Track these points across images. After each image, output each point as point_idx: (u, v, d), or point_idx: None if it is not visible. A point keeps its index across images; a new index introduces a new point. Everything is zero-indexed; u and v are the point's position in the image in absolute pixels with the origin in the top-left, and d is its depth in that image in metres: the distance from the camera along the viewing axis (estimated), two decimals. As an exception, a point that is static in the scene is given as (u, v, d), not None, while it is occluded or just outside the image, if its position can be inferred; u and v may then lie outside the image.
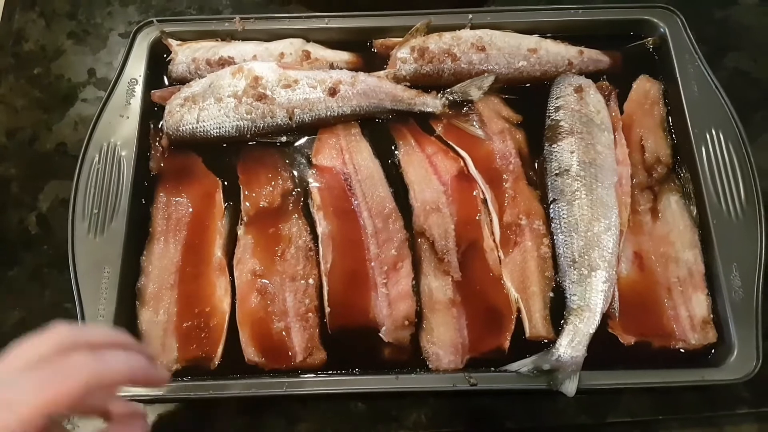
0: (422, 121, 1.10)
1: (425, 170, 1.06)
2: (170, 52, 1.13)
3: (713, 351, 0.93)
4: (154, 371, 0.66)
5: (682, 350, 0.94)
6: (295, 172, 1.06)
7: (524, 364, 0.90)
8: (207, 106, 1.05)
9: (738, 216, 0.98)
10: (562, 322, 0.94)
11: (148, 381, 0.65)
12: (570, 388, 0.87)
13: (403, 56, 1.10)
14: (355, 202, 1.03)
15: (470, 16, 1.13)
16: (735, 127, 1.04)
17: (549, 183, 1.02)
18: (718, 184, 1.00)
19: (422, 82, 1.11)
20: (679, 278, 0.96)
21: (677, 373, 0.90)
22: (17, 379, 0.57)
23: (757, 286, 0.93)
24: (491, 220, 1.02)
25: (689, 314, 0.94)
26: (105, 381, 0.59)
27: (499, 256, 0.99)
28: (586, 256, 0.95)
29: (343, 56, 1.13)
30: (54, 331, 0.61)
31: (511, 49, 1.10)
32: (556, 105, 1.06)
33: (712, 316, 0.95)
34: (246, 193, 1.04)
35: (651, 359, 0.93)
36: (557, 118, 1.05)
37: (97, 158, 1.04)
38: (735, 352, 0.90)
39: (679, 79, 1.08)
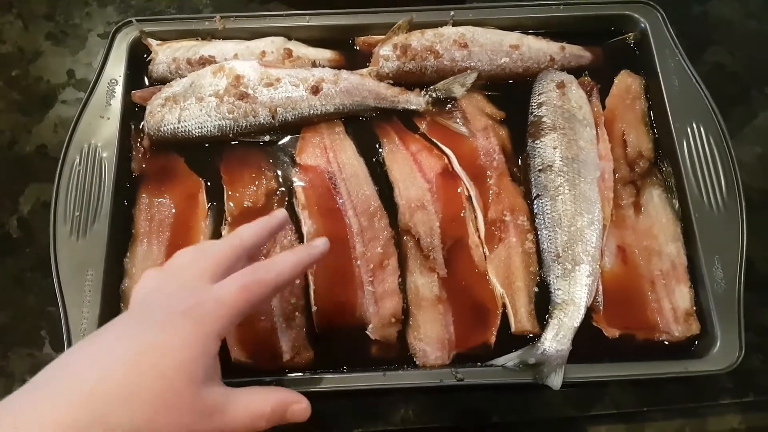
0: (406, 119, 1.10)
1: (410, 168, 1.06)
2: (150, 52, 1.12)
3: (696, 343, 0.94)
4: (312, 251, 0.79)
5: (665, 342, 0.94)
6: (279, 172, 1.06)
7: (510, 359, 0.90)
8: (188, 106, 1.04)
9: (719, 209, 0.99)
10: (547, 316, 0.94)
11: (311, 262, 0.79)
12: (556, 381, 0.88)
13: (386, 54, 1.09)
14: (340, 201, 1.03)
15: (452, 12, 1.13)
16: (716, 120, 1.05)
17: (532, 179, 1.03)
18: (700, 178, 1.01)
19: (405, 80, 1.11)
20: (662, 271, 0.97)
21: (661, 365, 0.91)
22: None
23: (738, 277, 0.94)
24: (476, 217, 1.02)
25: (672, 306, 0.95)
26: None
27: (484, 253, 1.00)
28: (569, 251, 0.95)
29: (325, 54, 1.13)
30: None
31: (494, 45, 1.10)
32: (538, 101, 1.07)
33: (695, 308, 0.95)
34: (229, 193, 1.03)
35: (635, 352, 0.93)
36: (540, 114, 1.05)
37: (77, 160, 1.03)
38: (718, 344, 0.91)
39: (660, 73, 1.08)
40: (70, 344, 0.91)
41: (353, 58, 1.15)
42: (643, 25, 1.13)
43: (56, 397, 0.57)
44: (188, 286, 0.68)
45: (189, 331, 0.63)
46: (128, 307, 0.76)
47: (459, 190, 1.04)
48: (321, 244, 0.80)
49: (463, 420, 0.94)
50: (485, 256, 0.99)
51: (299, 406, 0.71)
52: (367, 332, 0.94)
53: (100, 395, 0.57)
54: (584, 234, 0.96)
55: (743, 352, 0.90)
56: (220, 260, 0.72)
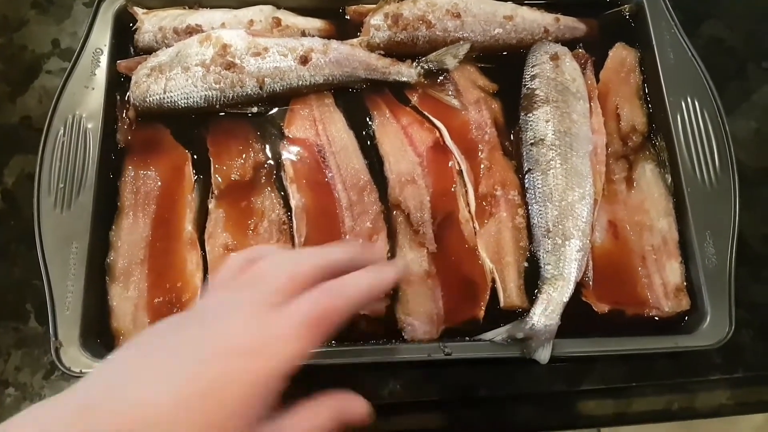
0: (397, 91, 1.08)
1: (400, 141, 1.04)
2: (136, 21, 1.10)
3: (686, 318, 0.94)
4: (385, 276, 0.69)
5: (655, 318, 0.94)
6: (267, 144, 1.04)
7: (498, 333, 0.90)
8: (174, 76, 1.02)
9: (712, 184, 0.98)
10: (536, 291, 0.94)
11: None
12: (543, 355, 0.87)
13: (377, 23, 1.07)
14: (329, 175, 1.01)
15: (445, -18, 1.10)
16: (711, 95, 1.03)
17: (524, 153, 1.01)
18: (693, 153, 1.00)
19: (396, 50, 1.08)
20: (654, 246, 0.96)
21: (651, 340, 0.91)
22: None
23: (730, 253, 0.94)
24: (467, 192, 1.01)
25: (663, 282, 0.95)
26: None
27: (474, 228, 0.99)
28: (560, 226, 0.94)
29: (315, 23, 1.11)
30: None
31: (487, 16, 1.08)
32: (531, 73, 1.05)
33: (685, 283, 0.95)
34: (216, 165, 1.02)
35: (625, 327, 0.93)
36: (533, 86, 1.03)
37: (62, 131, 1.00)
38: (708, 319, 0.91)
39: (655, 46, 1.06)
40: (54, 318, 0.90)
41: (344, 28, 1.12)
42: (639, -4, 1.10)
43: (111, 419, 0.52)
44: (260, 311, 0.60)
45: (254, 368, 0.57)
46: (202, 298, 0.70)
47: (450, 164, 1.02)
48: (395, 269, 0.70)
49: (452, 393, 0.94)
50: (475, 231, 0.98)
51: (357, 410, 0.66)
52: (355, 306, 0.93)
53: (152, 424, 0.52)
54: (575, 209, 0.95)
55: (733, 327, 0.90)
56: (300, 280, 0.63)
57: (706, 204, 0.97)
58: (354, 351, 0.90)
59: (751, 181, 1.05)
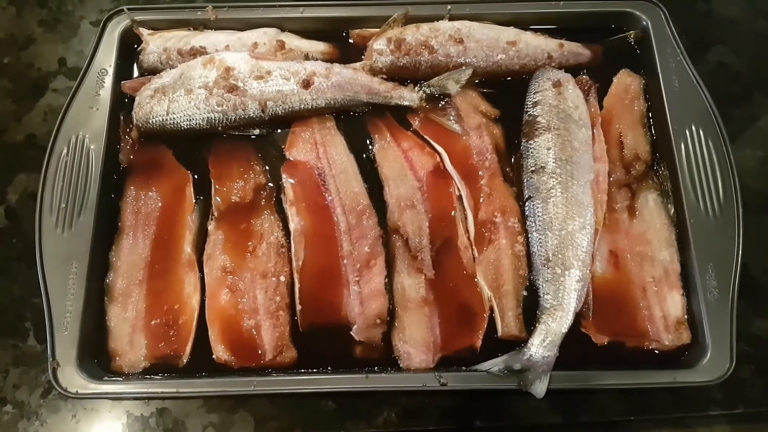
0: (399, 115, 1.08)
1: (401, 166, 1.04)
2: (141, 42, 1.11)
3: (687, 352, 0.92)
4: None
5: (655, 351, 0.93)
6: (268, 167, 1.04)
7: (495, 364, 0.89)
8: (177, 98, 1.02)
9: (716, 215, 0.97)
10: (535, 321, 0.92)
11: None
12: (540, 389, 0.86)
13: (380, 48, 1.07)
14: (329, 198, 1.01)
15: (449, 6, 1.10)
16: (715, 124, 1.02)
17: (525, 180, 1.00)
18: (697, 183, 0.99)
19: (399, 75, 1.08)
20: (655, 278, 0.95)
21: (650, 374, 0.89)
22: None
23: (732, 287, 0.92)
24: (466, 218, 1.00)
25: (664, 314, 0.93)
26: None
27: (473, 254, 0.98)
28: (560, 255, 0.94)
29: (318, 46, 1.11)
30: None
31: (490, 41, 1.07)
32: (533, 100, 1.04)
33: (686, 316, 0.93)
34: (217, 187, 1.02)
35: (624, 359, 0.92)
36: (535, 113, 1.03)
37: (65, 151, 1.01)
38: (708, 354, 0.90)
39: (660, 73, 1.06)
40: (52, 339, 0.91)
41: (347, 51, 1.13)
42: (644, 22, 1.10)
43: None
44: None
45: None
46: None
47: (450, 190, 1.02)
48: None
49: (446, 423, 0.93)
50: (474, 258, 0.98)
51: None
52: (351, 333, 0.93)
53: None
54: (575, 238, 0.94)
55: (734, 363, 0.88)
56: None
57: (709, 235, 0.96)
58: (348, 379, 0.90)
59: (756, 210, 1.03)
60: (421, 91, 1.06)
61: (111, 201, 1.02)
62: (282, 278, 0.96)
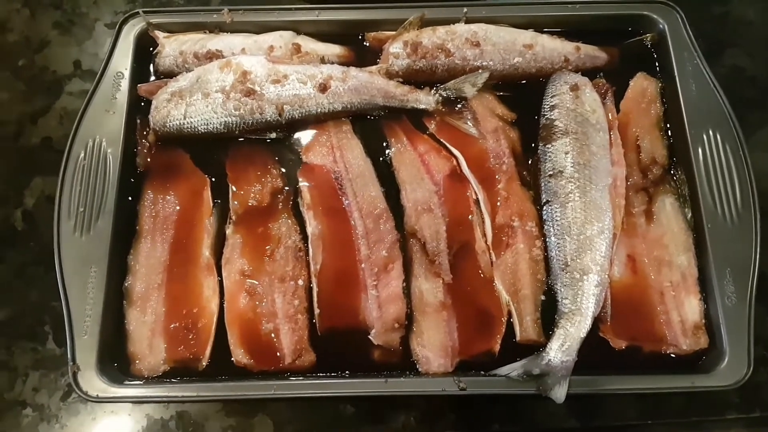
0: (415, 118, 1.08)
1: (417, 169, 1.04)
2: (157, 45, 1.11)
3: (704, 357, 0.93)
4: None
5: (673, 355, 0.93)
6: (285, 170, 1.05)
7: (514, 369, 0.89)
8: (194, 102, 1.02)
9: (733, 220, 0.97)
10: (553, 325, 0.93)
11: None
12: (559, 393, 0.87)
13: (396, 51, 1.07)
14: (346, 202, 1.01)
15: (465, 9, 1.10)
16: (732, 127, 1.02)
17: (542, 184, 1.00)
18: (714, 187, 0.99)
19: (415, 78, 1.08)
20: (672, 282, 0.95)
21: (667, 379, 0.90)
22: None
23: (750, 291, 0.92)
24: (483, 221, 1.00)
25: (681, 319, 0.94)
26: None
27: (490, 258, 0.98)
28: (578, 260, 0.94)
29: (334, 50, 1.11)
30: None
31: (507, 44, 1.07)
32: (551, 104, 1.04)
33: (704, 321, 0.94)
34: (235, 191, 1.02)
35: (641, 364, 0.92)
36: (552, 117, 1.03)
37: (83, 155, 1.02)
38: (726, 359, 0.90)
39: (677, 77, 1.06)
40: (72, 343, 0.91)
41: (363, 54, 1.12)
42: (661, 26, 1.09)
43: None
44: None
45: None
46: None
47: (467, 194, 1.02)
48: None
49: (465, 427, 0.94)
50: (492, 262, 0.98)
51: None
52: (369, 337, 0.93)
53: None
54: (594, 243, 0.94)
55: (752, 368, 0.88)
56: None
57: (727, 240, 0.96)
58: (367, 383, 0.90)
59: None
60: (437, 95, 1.06)
61: (129, 204, 1.02)
62: (300, 282, 0.97)
